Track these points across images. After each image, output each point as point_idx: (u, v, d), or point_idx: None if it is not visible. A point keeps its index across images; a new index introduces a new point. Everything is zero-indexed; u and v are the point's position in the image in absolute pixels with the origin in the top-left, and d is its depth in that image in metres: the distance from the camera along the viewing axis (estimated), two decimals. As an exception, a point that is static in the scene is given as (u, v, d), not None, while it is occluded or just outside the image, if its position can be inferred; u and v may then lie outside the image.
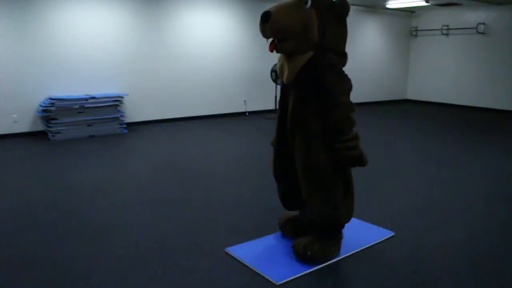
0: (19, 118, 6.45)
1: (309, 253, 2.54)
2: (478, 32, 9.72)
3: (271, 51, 2.52)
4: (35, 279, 2.40)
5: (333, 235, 2.65)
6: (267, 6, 8.68)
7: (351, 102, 2.47)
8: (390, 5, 9.76)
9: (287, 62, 2.52)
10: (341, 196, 2.58)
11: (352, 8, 9.92)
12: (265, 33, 2.43)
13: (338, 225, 2.60)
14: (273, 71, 8.36)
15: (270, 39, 2.50)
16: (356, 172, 4.65)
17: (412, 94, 11.44)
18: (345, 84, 2.47)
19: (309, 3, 2.40)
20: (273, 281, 2.37)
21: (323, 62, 2.42)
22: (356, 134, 2.43)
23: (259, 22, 2.45)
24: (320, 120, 2.46)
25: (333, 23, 2.47)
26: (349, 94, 2.49)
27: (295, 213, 2.97)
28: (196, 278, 2.41)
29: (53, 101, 6.26)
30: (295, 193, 2.75)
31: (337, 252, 2.67)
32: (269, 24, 2.37)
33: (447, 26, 10.32)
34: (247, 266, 2.54)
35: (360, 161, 2.42)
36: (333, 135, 2.42)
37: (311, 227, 2.61)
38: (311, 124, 2.47)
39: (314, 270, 2.50)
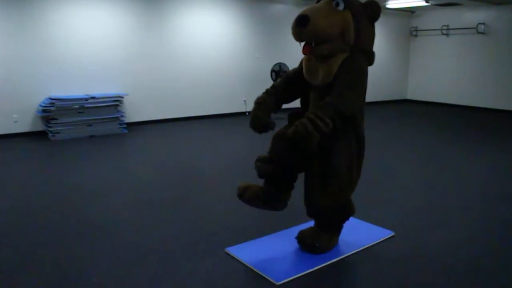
0: (19, 118, 6.45)
1: (317, 244, 2.61)
2: (478, 32, 9.72)
3: (306, 54, 2.48)
4: (35, 279, 2.40)
5: (339, 226, 2.70)
6: (267, 6, 8.69)
7: (354, 118, 2.45)
8: (390, 5, 9.75)
9: (321, 65, 2.45)
10: (352, 188, 2.62)
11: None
12: (301, 36, 2.39)
13: (349, 216, 2.66)
14: (273, 71, 8.36)
15: (303, 42, 2.45)
16: (356, 172, 4.64)
17: (412, 94, 11.44)
18: (360, 96, 2.46)
19: (342, 5, 2.40)
20: (273, 281, 2.37)
21: (355, 66, 2.43)
22: (328, 123, 2.28)
23: (292, 25, 2.37)
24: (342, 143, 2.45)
25: (367, 24, 2.49)
26: (357, 102, 2.44)
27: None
28: (196, 278, 2.41)
29: (53, 101, 6.26)
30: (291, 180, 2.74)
31: (337, 242, 2.76)
32: (308, 28, 2.32)
33: (447, 26, 10.32)
34: (247, 266, 2.54)
35: (305, 142, 2.28)
36: (318, 107, 2.35)
37: (321, 216, 2.62)
38: (337, 123, 2.37)
39: (314, 270, 2.50)
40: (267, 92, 2.68)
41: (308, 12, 2.36)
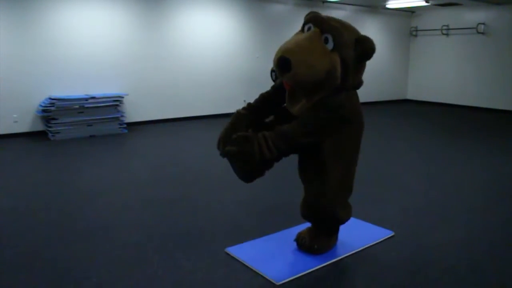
0: (19, 118, 6.45)
1: (316, 246, 2.61)
2: (478, 32, 9.72)
3: (288, 89, 2.39)
4: (35, 279, 2.40)
5: (335, 228, 2.72)
6: (267, 6, 8.68)
7: (305, 144, 2.30)
8: (390, 5, 9.75)
9: (304, 98, 2.35)
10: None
11: (352, 8, 9.95)
12: (282, 78, 2.26)
13: (341, 222, 2.66)
14: (273, 71, 8.35)
15: None
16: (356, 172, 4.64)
17: (412, 94, 11.44)
18: (319, 133, 2.30)
19: (331, 44, 2.21)
20: (273, 281, 2.37)
21: (334, 104, 2.29)
22: (274, 151, 2.21)
23: (274, 62, 2.18)
24: (333, 142, 2.39)
25: (356, 66, 2.32)
26: (312, 137, 2.31)
27: None
28: (196, 278, 2.41)
29: (53, 101, 6.26)
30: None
31: (336, 241, 2.77)
32: (290, 74, 2.15)
33: (447, 26, 10.32)
34: (247, 266, 2.54)
35: (235, 159, 2.22)
36: (275, 129, 2.26)
37: (318, 217, 2.61)
38: (284, 152, 2.31)
39: (314, 270, 2.50)
40: (244, 108, 2.58)
41: (291, 55, 2.13)
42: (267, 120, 2.63)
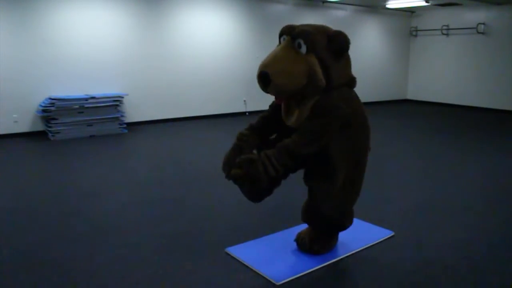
0: (19, 118, 6.45)
1: (316, 247, 2.61)
2: (478, 32, 9.72)
3: (280, 103, 2.41)
4: (35, 279, 2.40)
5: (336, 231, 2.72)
6: (267, 6, 8.68)
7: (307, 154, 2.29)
8: (390, 5, 9.76)
9: (297, 108, 2.36)
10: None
11: (352, 8, 9.94)
12: (267, 92, 2.28)
13: (343, 228, 2.68)
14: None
15: None
16: (356, 172, 4.64)
17: (412, 94, 11.44)
18: (319, 139, 2.27)
19: (304, 47, 2.24)
20: (273, 281, 2.37)
21: (327, 106, 2.28)
22: (279, 168, 2.21)
23: (257, 79, 2.24)
24: (337, 148, 2.36)
25: (334, 60, 2.31)
26: (313, 145, 2.29)
27: None
28: (196, 278, 2.41)
29: (53, 101, 6.26)
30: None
31: (336, 242, 2.78)
32: (271, 86, 2.21)
33: (447, 26, 10.32)
34: (247, 266, 2.55)
35: (242, 182, 2.24)
36: (276, 145, 2.25)
37: (321, 222, 2.60)
38: (290, 166, 2.30)
39: (314, 270, 2.50)
40: (246, 129, 2.56)
41: (268, 68, 2.19)
42: (270, 138, 2.63)
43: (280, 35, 2.38)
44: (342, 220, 2.61)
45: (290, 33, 2.31)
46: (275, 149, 2.24)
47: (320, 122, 2.26)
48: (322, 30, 2.31)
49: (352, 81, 2.46)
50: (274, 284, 2.35)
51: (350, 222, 2.67)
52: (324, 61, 2.26)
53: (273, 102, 2.58)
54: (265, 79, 2.20)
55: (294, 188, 4.08)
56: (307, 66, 2.23)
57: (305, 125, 2.29)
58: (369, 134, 2.56)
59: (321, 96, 2.30)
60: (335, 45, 2.27)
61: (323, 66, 2.26)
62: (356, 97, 2.48)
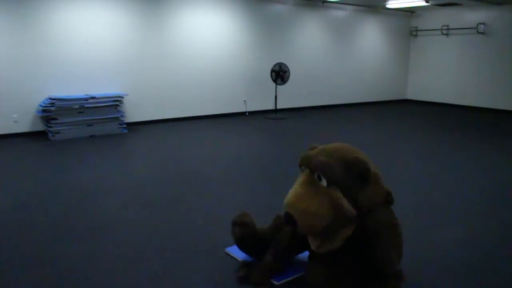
0: (19, 118, 6.45)
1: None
2: (478, 32, 9.72)
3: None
4: (35, 279, 2.40)
5: None
6: (267, 6, 8.69)
7: (401, 271, 2.17)
8: (390, 5, 9.76)
9: (326, 236, 2.19)
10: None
11: (352, 8, 9.95)
12: (299, 232, 2.18)
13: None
14: (273, 71, 8.36)
15: None
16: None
17: (412, 94, 11.44)
18: (397, 249, 2.21)
19: (324, 181, 2.10)
20: (273, 282, 2.37)
21: (371, 231, 2.13)
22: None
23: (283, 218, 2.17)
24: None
25: (359, 185, 2.12)
26: (399, 259, 2.23)
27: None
28: (196, 278, 2.41)
29: (53, 101, 6.26)
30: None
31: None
32: (299, 229, 2.13)
33: (447, 26, 10.32)
34: (247, 266, 2.55)
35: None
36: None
37: None
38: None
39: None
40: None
41: (291, 208, 2.11)
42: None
43: (300, 166, 2.29)
44: None
45: (308, 166, 2.19)
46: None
47: (385, 241, 2.15)
48: (340, 157, 2.15)
49: (389, 197, 2.27)
50: (273, 284, 2.35)
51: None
52: (348, 190, 2.09)
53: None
54: (290, 220, 2.12)
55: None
56: (332, 202, 2.08)
57: (379, 246, 2.14)
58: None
59: (359, 225, 2.14)
60: (355, 173, 2.11)
61: (348, 196, 2.09)
62: (394, 218, 2.30)
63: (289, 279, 2.40)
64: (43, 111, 6.27)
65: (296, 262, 2.59)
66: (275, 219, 2.61)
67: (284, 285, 2.35)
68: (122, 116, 6.88)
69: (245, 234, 2.53)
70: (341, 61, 10.08)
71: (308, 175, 2.18)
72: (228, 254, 2.70)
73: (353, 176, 2.10)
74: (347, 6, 9.88)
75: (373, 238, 2.13)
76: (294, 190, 2.18)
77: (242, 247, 2.57)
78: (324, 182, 2.11)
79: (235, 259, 2.64)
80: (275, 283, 2.36)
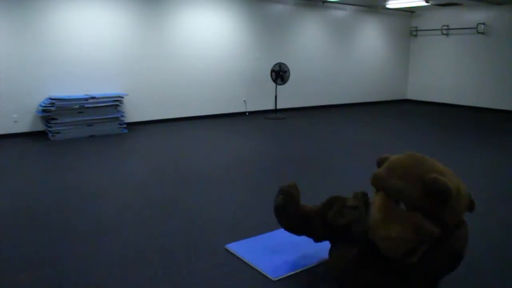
0: (19, 118, 6.45)
1: None
2: (478, 32, 9.72)
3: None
4: (35, 279, 2.40)
5: None
6: (267, 6, 8.69)
7: None
8: (390, 5, 9.76)
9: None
10: None
11: (352, 8, 9.95)
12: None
13: None
14: (273, 71, 8.36)
15: None
16: (356, 173, 4.66)
17: (412, 94, 11.44)
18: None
19: (403, 205, 2.01)
20: (270, 277, 2.39)
21: (454, 250, 2.07)
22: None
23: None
24: None
25: (442, 206, 1.98)
26: None
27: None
28: (196, 278, 2.41)
29: (53, 101, 6.26)
30: None
31: None
32: (385, 253, 2.07)
33: (447, 26, 10.32)
34: (246, 263, 2.54)
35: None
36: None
37: None
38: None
39: (312, 267, 2.50)
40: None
41: (372, 233, 2.06)
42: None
43: (372, 185, 2.21)
44: None
45: (382, 190, 2.10)
46: None
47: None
48: (416, 178, 2.01)
49: (471, 204, 2.19)
50: (270, 280, 2.36)
51: None
52: (430, 212, 1.98)
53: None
54: (374, 245, 2.09)
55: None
56: (413, 226, 1.98)
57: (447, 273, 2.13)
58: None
59: (441, 243, 2.05)
60: (435, 196, 1.96)
61: (430, 218, 1.98)
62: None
63: (285, 274, 2.41)
64: (43, 111, 6.27)
65: (294, 257, 2.59)
66: (328, 201, 2.47)
67: (280, 281, 2.35)
68: (122, 116, 6.89)
69: (286, 204, 2.46)
70: (341, 61, 10.08)
71: (385, 199, 2.07)
72: (227, 252, 2.70)
73: (433, 198, 1.96)
74: (347, 6, 9.88)
75: (457, 258, 2.08)
76: (373, 213, 2.12)
77: (279, 217, 2.50)
78: (403, 206, 2.02)
79: (235, 258, 2.64)
80: (272, 278, 2.37)
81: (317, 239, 2.48)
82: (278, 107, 9.05)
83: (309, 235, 2.48)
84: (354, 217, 2.25)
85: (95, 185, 4.12)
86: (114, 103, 6.78)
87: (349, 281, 2.20)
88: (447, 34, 10.39)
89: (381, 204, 2.09)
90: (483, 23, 9.61)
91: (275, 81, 8.39)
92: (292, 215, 2.47)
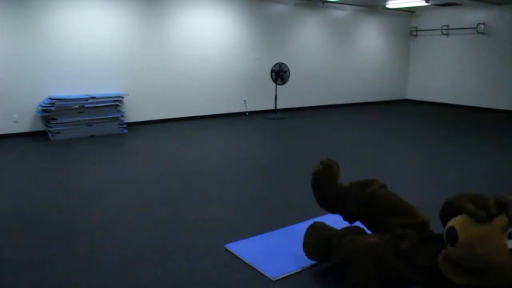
0: (19, 118, 6.45)
1: None
2: (478, 32, 9.72)
3: None
4: (35, 279, 2.40)
5: None
6: (267, 6, 8.69)
7: None
8: (390, 5, 9.76)
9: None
10: None
11: (352, 8, 9.95)
12: (445, 249, 1.98)
13: None
14: (273, 71, 8.37)
15: None
16: (356, 173, 4.65)
17: (412, 94, 11.44)
18: None
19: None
20: (270, 277, 2.39)
21: None
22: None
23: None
24: None
25: None
26: None
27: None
28: (196, 278, 2.42)
29: (53, 101, 6.27)
30: None
31: None
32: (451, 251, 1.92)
33: (447, 26, 10.32)
34: (246, 263, 2.55)
35: None
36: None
37: None
38: None
39: (311, 267, 2.50)
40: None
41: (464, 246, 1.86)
42: None
43: (494, 205, 1.90)
44: None
45: (508, 214, 1.82)
46: None
47: None
48: None
49: None
50: (270, 280, 2.36)
51: None
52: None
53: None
54: (451, 236, 1.94)
55: (293, 188, 4.09)
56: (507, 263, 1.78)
57: None
58: None
59: None
60: None
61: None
62: None
63: (285, 274, 2.41)
64: (43, 111, 6.27)
65: (293, 257, 2.59)
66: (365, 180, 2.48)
67: (280, 281, 2.35)
68: (122, 116, 6.89)
69: (324, 173, 2.49)
70: (341, 61, 10.09)
71: (504, 227, 1.81)
72: (227, 252, 2.70)
73: None
74: (347, 6, 9.89)
75: None
76: (480, 234, 1.85)
77: (314, 186, 2.51)
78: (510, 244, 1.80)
79: (235, 258, 2.64)
80: (271, 278, 2.37)
81: (348, 217, 2.47)
82: (278, 107, 9.05)
83: (341, 212, 2.49)
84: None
85: (95, 185, 4.12)
86: (114, 103, 6.78)
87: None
88: (447, 34, 10.39)
89: (495, 231, 1.84)
90: (483, 23, 9.61)
91: (275, 81, 8.39)
92: (327, 186, 2.49)
